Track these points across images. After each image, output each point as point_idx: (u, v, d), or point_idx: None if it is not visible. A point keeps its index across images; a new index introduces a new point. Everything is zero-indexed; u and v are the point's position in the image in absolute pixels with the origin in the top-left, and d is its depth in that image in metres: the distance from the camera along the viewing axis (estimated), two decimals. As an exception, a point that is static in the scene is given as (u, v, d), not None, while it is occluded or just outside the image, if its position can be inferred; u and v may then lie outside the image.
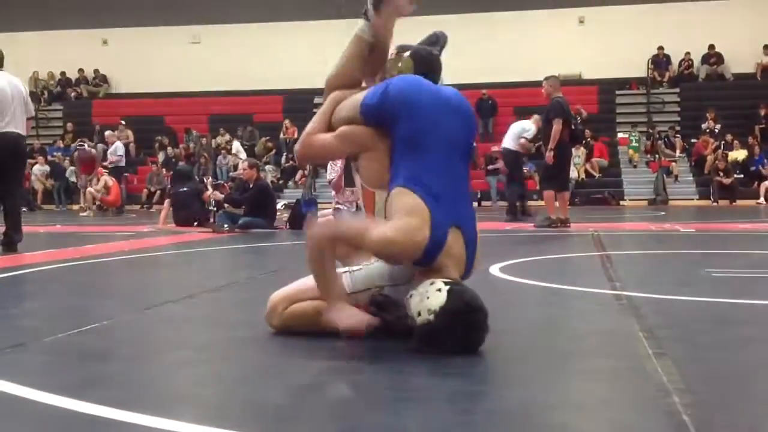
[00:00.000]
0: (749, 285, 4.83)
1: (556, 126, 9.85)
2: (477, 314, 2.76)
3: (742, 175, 18.64)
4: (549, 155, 9.94)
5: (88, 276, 5.76)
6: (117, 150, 17.67)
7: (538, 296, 4.47)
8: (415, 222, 2.84)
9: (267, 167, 20.43)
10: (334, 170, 11.60)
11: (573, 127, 10.27)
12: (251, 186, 11.07)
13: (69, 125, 23.17)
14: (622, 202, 18.57)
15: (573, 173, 19.10)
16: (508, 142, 12.56)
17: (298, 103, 23.23)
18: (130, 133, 22.65)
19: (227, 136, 21.90)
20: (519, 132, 12.46)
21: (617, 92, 22.46)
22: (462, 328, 2.74)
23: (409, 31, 3.78)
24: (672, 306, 3.96)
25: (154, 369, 2.77)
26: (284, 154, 21.70)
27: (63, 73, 25.00)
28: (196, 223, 11.32)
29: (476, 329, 2.77)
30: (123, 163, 18.59)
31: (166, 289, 5.08)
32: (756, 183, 18.17)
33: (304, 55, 23.12)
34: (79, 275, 5.76)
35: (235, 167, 20.23)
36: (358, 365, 2.71)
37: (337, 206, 11.39)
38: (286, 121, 22.16)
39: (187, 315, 3.94)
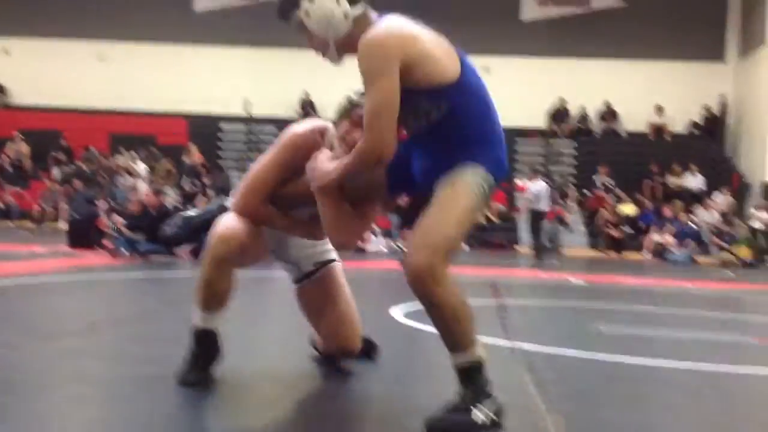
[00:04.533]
0: (636, 343, 5.10)
1: None
2: None
3: (630, 229, 19.42)
4: None
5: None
6: None
7: (435, 344, 4.60)
8: None
9: (168, 191, 20.09)
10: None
11: None
12: (153, 212, 10.93)
13: (-40, 134, 22.31)
14: (516, 248, 19.06)
15: (472, 217, 19.61)
16: None
17: (203, 128, 23.02)
18: (25, 146, 21.95)
19: (130, 156, 21.46)
20: None
21: (516, 140, 23.12)
22: None
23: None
24: (564, 361, 4.16)
25: (50, 404, 2.74)
26: (187, 178, 21.40)
27: (-43, 80, 24.09)
28: (95, 247, 11.07)
29: None
30: None
31: (65, 318, 4.99)
32: (643, 237, 18.97)
33: (210, 79, 23.02)
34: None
35: (134, 188, 19.84)
36: (265, 415, 2.76)
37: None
38: (192, 146, 21.92)
39: (87, 347, 3.90)
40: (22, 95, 23.92)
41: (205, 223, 3.36)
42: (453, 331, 2.78)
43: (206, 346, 3.17)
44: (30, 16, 23.31)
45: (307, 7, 2.79)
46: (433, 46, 2.71)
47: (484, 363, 2.84)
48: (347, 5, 2.78)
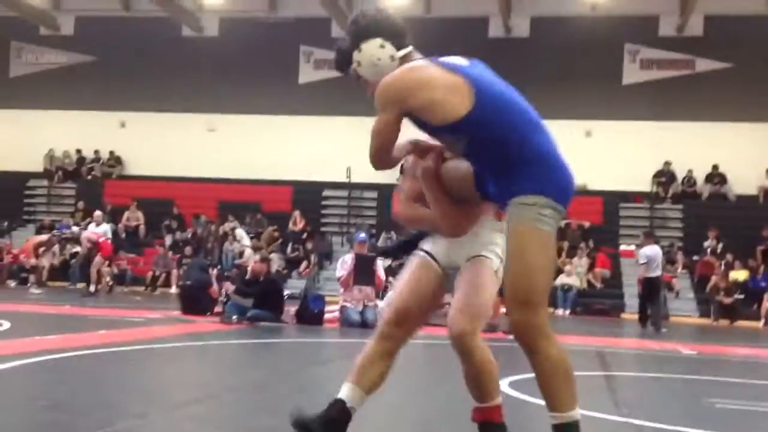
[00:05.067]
0: (752, 420, 4.96)
1: None
2: None
3: (742, 296, 18.80)
4: None
5: (108, 366, 5.89)
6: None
7: (543, 416, 4.58)
8: None
9: (272, 256, 20.60)
10: (343, 268, 11.84)
11: None
12: (261, 279, 11.26)
13: (80, 203, 23.49)
14: (622, 315, 18.66)
15: (575, 282, 19.34)
16: None
17: (306, 194, 23.62)
18: (140, 214, 22.95)
19: (234, 223, 22.16)
20: None
21: (621, 205, 22.82)
22: None
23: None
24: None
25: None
26: (290, 244, 21.93)
27: (79, 151, 25.47)
28: (208, 313, 11.46)
29: None
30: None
31: (188, 386, 5.20)
32: (756, 304, 18.32)
33: (314, 148, 23.63)
34: (100, 365, 5.88)
35: (241, 254, 20.43)
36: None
37: (344, 304, 11.57)
38: (296, 213, 22.50)
39: (215, 416, 4.07)
40: (137, 166, 25.08)
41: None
42: (557, 386, 2.88)
43: (338, 419, 3.19)
44: (144, 91, 24.57)
45: (357, 57, 3.06)
46: (440, 90, 2.89)
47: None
48: (392, 48, 3.03)
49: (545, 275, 2.91)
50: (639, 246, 15.67)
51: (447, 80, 2.91)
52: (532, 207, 2.86)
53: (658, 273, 14.06)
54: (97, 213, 17.70)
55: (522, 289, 2.86)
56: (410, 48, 3.08)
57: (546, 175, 2.90)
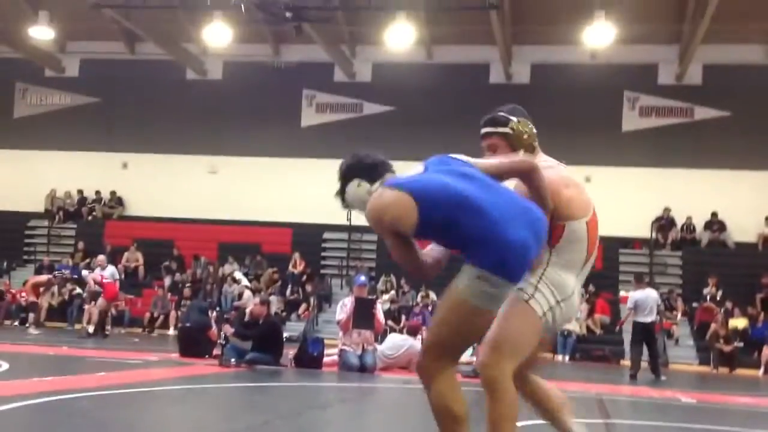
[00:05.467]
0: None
1: None
2: None
3: (742, 344, 18.74)
4: None
5: (107, 409, 5.87)
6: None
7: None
8: None
9: (271, 298, 20.56)
10: (343, 311, 11.82)
11: None
12: (261, 322, 11.24)
13: (80, 244, 23.53)
14: (622, 361, 18.57)
15: (574, 328, 19.29)
16: None
17: (306, 237, 23.64)
18: (139, 255, 22.96)
19: (235, 265, 22.18)
20: None
21: (620, 250, 22.84)
22: None
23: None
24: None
25: None
26: (289, 286, 21.92)
27: (80, 192, 25.55)
28: (206, 356, 11.43)
29: None
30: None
31: (185, 429, 5.20)
32: (756, 352, 18.26)
33: (314, 191, 23.66)
34: (98, 408, 5.87)
35: (240, 296, 20.40)
36: None
37: (343, 347, 11.53)
38: (296, 255, 22.51)
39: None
40: (138, 207, 25.15)
41: None
42: (437, 419, 3.38)
43: None
44: (147, 133, 24.74)
45: (346, 198, 3.69)
46: (393, 208, 3.41)
47: None
48: (367, 185, 3.59)
49: (452, 333, 3.37)
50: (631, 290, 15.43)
51: (397, 198, 3.43)
52: (464, 273, 3.37)
53: (651, 318, 13.64)
54: (101, 257, 17.77)
55: (430, 334, 3.49)
56: (384, 176, 3.57)
57: (482, 251, 3.34)
